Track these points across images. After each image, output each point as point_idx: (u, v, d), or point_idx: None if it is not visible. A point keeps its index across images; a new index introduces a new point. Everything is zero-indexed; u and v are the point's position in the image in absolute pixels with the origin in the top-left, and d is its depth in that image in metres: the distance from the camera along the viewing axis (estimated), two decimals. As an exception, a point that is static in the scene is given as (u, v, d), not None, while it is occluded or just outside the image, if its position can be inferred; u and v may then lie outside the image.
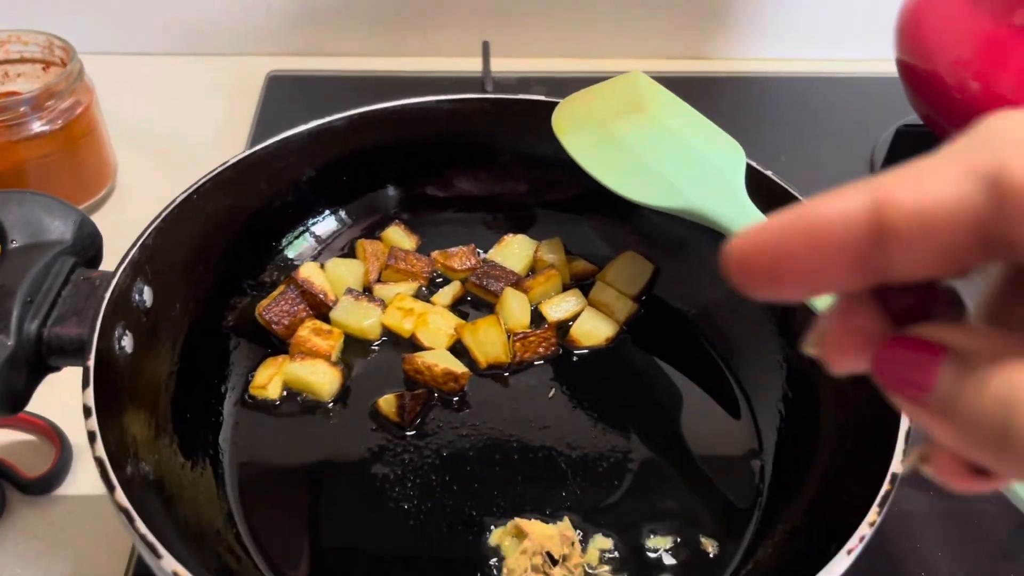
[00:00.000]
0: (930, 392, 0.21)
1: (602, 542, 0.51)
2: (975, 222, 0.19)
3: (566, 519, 0.51)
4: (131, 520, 0.39)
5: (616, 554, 0.51)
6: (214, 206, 0.58)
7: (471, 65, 0.92)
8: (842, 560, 0.40)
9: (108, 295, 0.48)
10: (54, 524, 0.57)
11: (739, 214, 0.55)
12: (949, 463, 0.23)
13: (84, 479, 0.60)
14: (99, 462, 0.41)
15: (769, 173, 0.59)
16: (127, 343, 0.50)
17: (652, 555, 0.51)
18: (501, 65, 0.92)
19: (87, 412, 0.43)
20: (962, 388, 0.20)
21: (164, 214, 0.54)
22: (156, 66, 0.98)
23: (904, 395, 0.21)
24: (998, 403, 0.19)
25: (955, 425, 0.20)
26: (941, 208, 0.19)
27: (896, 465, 0.43)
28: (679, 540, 0.51)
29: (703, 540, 0.52)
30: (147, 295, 0.52)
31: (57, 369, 0.50)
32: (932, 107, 0.74)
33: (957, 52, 0.71)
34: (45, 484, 0.58)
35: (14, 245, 0.50)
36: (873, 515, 0.41)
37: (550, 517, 0.52)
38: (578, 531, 0.51)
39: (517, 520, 0.50)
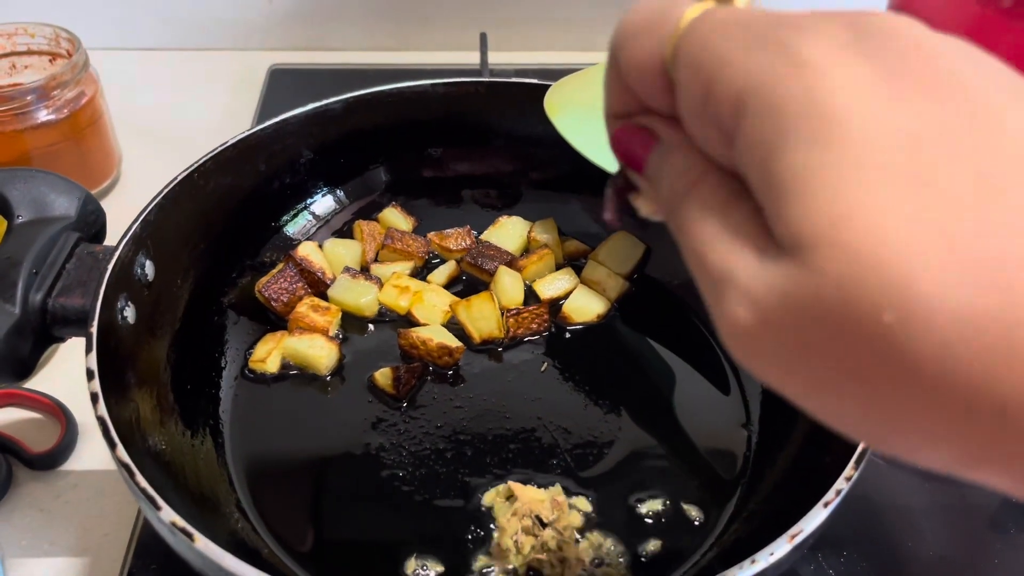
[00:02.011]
0: (646, 163, 0.29)
1: (589, 507, 0.52)
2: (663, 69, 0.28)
3: (557, 485, 0.53)
4: (131, 475, 0.41)
5: (603, 519, 0.52)
6: (214, 185, 0.59)
7: (469, 58, 0.93)
8: (819, 512, 0.41)
9: (111, 267, 0.50)
10: (60, 498, 0.59)
11: None
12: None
13: (89, 456, 0.61)
14: (101, 421, 0.43)
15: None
16: (129, 314, 0.51)
17: (638, 521, 0.52)
18: (499, 58, 0.93)
19: (90, 375, 0.45)
20: (659, 162, 0.29)
21: (166, 191, 0.56)
22: (161, 61, 1.00)
23: (631, 165, 0.30)
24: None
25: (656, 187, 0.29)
26: (646, 70, 0.28)
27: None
28: (665, 507, 0.53)
29: (688, 508, 0.53)
30: (149, 269, 0.54)
31: (62, 339, 0.51)
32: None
33: (944, 37, 0.72)
34: (51, 459, 0.60)
35: (20, 220, 0.52)
36: (850, 470, 0.42)
37: (541, 484, 0.53)
38: (568, 497, 0.52)
39: (510, 483, 0.52)
